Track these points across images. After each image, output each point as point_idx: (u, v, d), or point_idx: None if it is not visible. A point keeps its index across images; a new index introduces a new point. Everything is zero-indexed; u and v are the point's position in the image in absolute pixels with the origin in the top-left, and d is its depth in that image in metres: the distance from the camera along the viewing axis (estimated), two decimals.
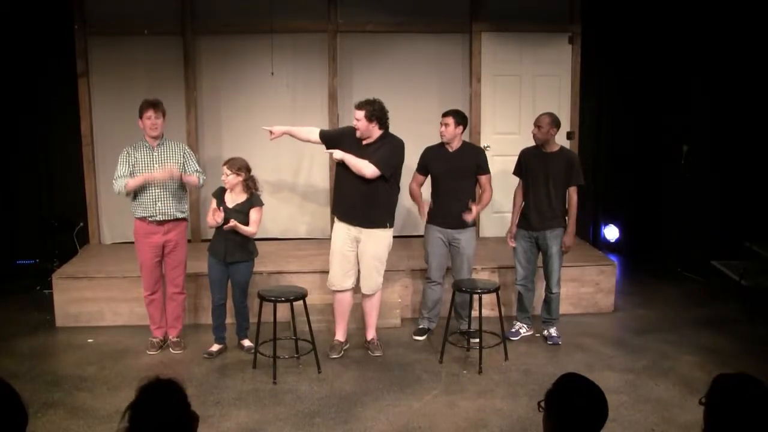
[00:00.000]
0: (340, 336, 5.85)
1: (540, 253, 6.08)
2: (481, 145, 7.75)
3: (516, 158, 6.14)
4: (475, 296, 5.68)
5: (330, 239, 7.69)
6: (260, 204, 5.63)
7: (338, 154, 5.52)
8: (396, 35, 7.65)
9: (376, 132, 5.53)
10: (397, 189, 5.72)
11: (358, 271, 5.75)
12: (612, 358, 5.74)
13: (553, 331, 6.09)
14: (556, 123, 5.87)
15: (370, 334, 5.89)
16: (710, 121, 7.70)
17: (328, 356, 5.66)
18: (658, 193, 8.09)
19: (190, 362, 5.64)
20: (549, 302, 6.11)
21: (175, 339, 5.91)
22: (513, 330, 6.17)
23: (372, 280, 5.72)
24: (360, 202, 5.55)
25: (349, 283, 5.75)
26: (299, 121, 7.68)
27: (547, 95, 7.77)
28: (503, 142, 7.79)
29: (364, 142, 5.54)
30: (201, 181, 5.81)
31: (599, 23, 7.81)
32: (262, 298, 5.40)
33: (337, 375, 5.39)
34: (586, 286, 6.74)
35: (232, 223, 5.45)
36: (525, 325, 6.23)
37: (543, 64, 7.76)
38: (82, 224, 7.63)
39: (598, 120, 8.11)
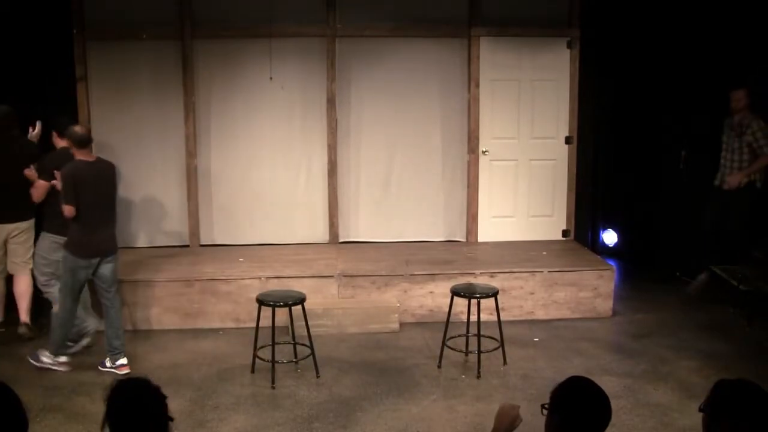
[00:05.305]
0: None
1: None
2: (480, 150, 7.77)
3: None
4: (473, 300, 5.68)
5: (328, 243, 7.77)
6: None
7: None
8: (394, 40, 7.66)
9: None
10: None
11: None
12: (610, 362, 5.74)
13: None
14: None
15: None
16: (709, 126, 7.70)
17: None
18: (657, 198, 8.09)
19: (189, 367, 5.63)
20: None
21: None
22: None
23: None
24: None
25: None
26: (298, 125, 7.71)
27: (545, 100, 7.78)
28: (501, 147, 7.79)
29: None
30: None
31: (598, 28, 7.80)
32: (261, 303, 5.40)
33: (336, 380, 5.39)
34: (585, 290, 6.74)
35: None
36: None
37: (541, 68, 7.77)
38: None
39: (596, 125, 8.11)
